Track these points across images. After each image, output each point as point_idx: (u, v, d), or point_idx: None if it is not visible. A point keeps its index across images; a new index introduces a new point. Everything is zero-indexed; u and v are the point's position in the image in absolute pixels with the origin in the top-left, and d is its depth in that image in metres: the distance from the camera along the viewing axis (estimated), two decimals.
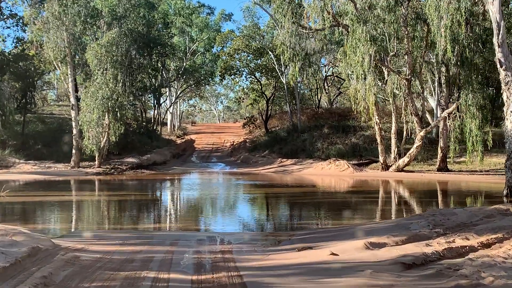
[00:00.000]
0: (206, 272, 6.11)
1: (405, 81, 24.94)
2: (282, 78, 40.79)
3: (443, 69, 25.15)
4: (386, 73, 26.45)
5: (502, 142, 27.52)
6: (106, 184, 23.58)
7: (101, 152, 28.87)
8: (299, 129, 38.59)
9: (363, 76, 23.34)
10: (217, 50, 49.70)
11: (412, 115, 25.65)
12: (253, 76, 46.98)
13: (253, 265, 6.54)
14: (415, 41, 24.32)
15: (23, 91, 37.49)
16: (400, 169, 25.78)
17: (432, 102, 32.39)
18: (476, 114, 22.32)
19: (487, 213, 9.92)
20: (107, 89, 27.40)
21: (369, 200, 17.56)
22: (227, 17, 49.50)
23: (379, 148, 26.83)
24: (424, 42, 24.26)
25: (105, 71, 27.65)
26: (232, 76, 47.12)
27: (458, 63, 22.66)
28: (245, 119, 53.25)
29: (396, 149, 27.07)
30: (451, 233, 8.37)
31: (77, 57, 30.40)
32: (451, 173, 25.11)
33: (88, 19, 29.11)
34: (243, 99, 54.39)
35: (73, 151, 28.94)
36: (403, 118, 27.17)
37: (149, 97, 46.70)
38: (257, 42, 43.74)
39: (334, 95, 49.92)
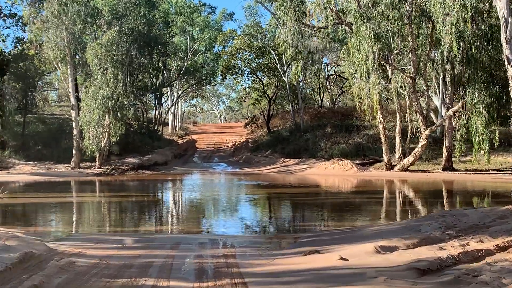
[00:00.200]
0: (208, 279, 5.76)
1: (409, 79, 24.56)
2: (284, 77, 40.44)
3: (448, 67, 24.75)
4: (390, 71, 26.08)
5: (508, 141, 27.34)
6: (106, 185, 23.25)
7: (101, 152, 28.55)
8: (302, 129, 38.23)
9: (367, 74, 22.97)
10: (218, 50, 49.43)
11: (416, 114, 25.27)
12: (255, 76, 46.66)
13: (258, 271, 6.18)
14: (420, 38, 23.92)
15: (23, 91, 37.20)
16: (405, 169, 25.40)
17: (436, 101, 31.99)
18: (483, 113, 21.95)
19: (499, 214, 9.54)
20: (107, 88, 27.07)
21: (375, 200, 17.19)
22: (229, 16, 49.16)
23: (383, 148, 26.46)
24: (429, 39, 23.87)
25: (105, 71, 27.33)
26: (234, 76, 46.81)
27: (464, 60, 22.32)
28: (247, 119, 52.92)
29: (400, 148, 26.71)
30: (464, 235, 8.01)
31: (77, 57, 30.08)
32: (457, 173, 24.73)
33: (88, 18, 28.78)
34: (245, 98, 54.06)
35: (74, 151, 28.61)
36: (407, 117, 26.79)
37: (150, 97, 46.36)
38: (259, 41, 43.42)
39: (336, 94, 49.55)
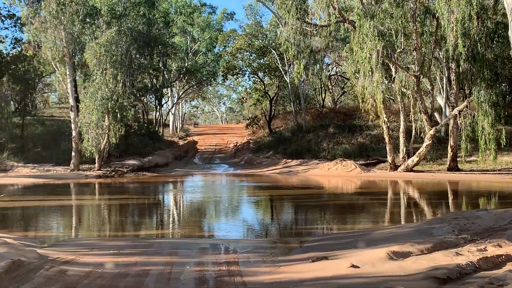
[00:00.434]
0: None
1: (413, 78, 24.12)
2: (286, 77, 40.03)
3: (453, 65, 24.30)
4: (393, 70, 25.64)
5: None
6: (106, 187, 22.81)
7: (101, 154, 28.10)
8: (304, 129, 37.80)
9: (370, 73, 22.52)
10: (219, 50, 49.04)
11: (421, 113, 24.81)
12: (256, 76, 46.25)
13: (263, 280, 5.74)
14: (424, 36, 23.46)
15: (22, 93, 36.80)
16: (409, 169, 24.94)
17: (440, 100, 31.53)
18: (489, 111, 21.51)
19: None
20: (106, 89, 26.63)
21: (381, 202, 16.73)
22: (229, 16, 48.73)
23: (387, 148, 26.01)
24: (433, 37, 23.42)
25: (104, 71, 26.87)
26: (235, 76, 46.41)
27: (470, 58, 21.89)
28: (248, 119, 52.51)
29: (404, 148, 26.28)
30: (479, 239, 7.58)
31: (76, 58, 29.67)
32: (462, 173, 24.27)
33: (86, 18, 28.35)
34: (246, 99, 53.66)
35: (73, 153, 28.15)
36: (411, 116, 26.36)
37: (151, 98, 45.94)
38: (260, 40, 43.01)
39: (338, 94, 49.11)
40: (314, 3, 23.77)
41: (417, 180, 22.86)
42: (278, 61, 40.57)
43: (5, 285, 5.05)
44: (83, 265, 6.60)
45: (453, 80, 25.19)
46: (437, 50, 24.92)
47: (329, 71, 45.62)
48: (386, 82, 24.99)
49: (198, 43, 47.31)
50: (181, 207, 16.18)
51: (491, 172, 24.04)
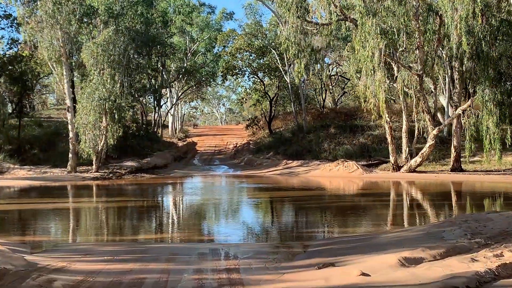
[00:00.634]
0: None
1: (416, 77, 23.73)
2: (286, 77, 39.63)
3: (457, 64, 23.92)
4: (395, 69, 25.26)
5: None
6: (103, 189, 22.38)
7: (98, 156, 27.65)
8: (305, 130, 37.39)
9: (372, 72, 22.11)
10: (218, 50, 48.62)
11: (423, 113, 24.43)
12: (255, 76, 45.85)
13: None
14: (427, 34, 23.07)
15: (19, 94, 36.37)
16: (412, 170, 24.54)
17: (442, 100, 31.14)
18: (494, 111, 21.15)
19: None
20: (104, 90, 26.20)
21: (384, 203, 16.33)
22: (229, 16, 48.31)
23: (390, 148, 25.61)
24: (436, 35, 23.03)
25: (101, 71, 26.44)
26: (234, 76, 46.00)
27: (474, 56, 21.50)
28: (247, 120, 52.10)
29: (407, 148, 25.90)
30: (494, 243, 7.17)
31: (73, 58, 29.25)
32: (466, 173, 23.91)
33: (83, 18, 27.94)
34: (246, 100, 53.23)
35: (70, 155, 27.71)
36: (414, 116, 25.98)
37: (149, 99, 45.51)
38: (260, 40, 42.61)
39: (338, 95, 48.70)
40: (315, 1, 23.40)
41: (420, 181, 22.47)
42: (278, 61, 40.17)
43: None
44: (74, 273, 6.18)
45: (457, 79, 24.81)
46: (440, 48, 24.54)
47: (329, 71, 45.22)
48: (388, 81, 24.59)
49: (197, 43, 46.88)
50: (180, 210, 15.76)
51: (495, 173, 23.69)
